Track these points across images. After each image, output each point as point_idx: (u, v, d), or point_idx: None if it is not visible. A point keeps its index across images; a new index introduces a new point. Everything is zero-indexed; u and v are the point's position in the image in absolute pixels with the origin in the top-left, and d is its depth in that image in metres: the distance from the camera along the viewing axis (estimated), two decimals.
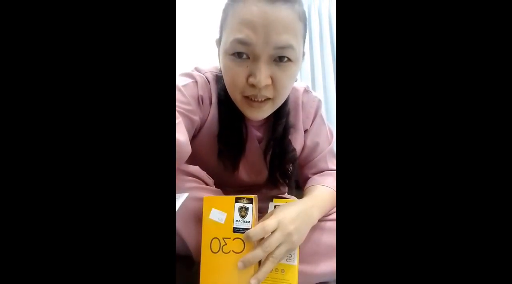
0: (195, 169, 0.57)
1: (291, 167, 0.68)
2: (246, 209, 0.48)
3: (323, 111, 0.72)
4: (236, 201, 0.48)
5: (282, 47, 0.49)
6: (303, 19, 0.53)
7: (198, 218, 0.52)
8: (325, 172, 0.68)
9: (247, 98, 0.54)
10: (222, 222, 0.47)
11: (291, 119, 0.65)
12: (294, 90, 0.68)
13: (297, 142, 0.67)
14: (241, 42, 0.49)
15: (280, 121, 0.62)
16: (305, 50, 0.58)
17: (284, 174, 0.68)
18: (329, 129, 0.72)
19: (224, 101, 0.60)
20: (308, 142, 0.69)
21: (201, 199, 0.52)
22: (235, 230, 0.47)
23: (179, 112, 0.54)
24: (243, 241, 0.46)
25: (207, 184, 0.59)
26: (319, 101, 0.71)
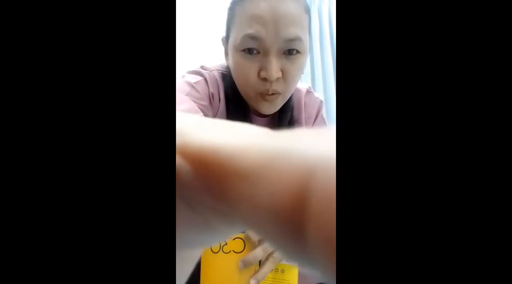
0: None
1: None
2: None
3: (323, 111, 0.74)
4: None
5: (291, 40, 0.51)
6: (308, 12, 0.55)
7: None
8: None
9: (260, 93, 0.55)
10: None
11: (295, 114, 0.67)
12: (297, 90, 0.70)
13: None
14: (251, 37, 0.50)
15: (285, 115, 0.64)
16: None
17: None
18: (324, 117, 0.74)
19: (231, 98, 0.62)
20: None
21: None
22: None
23: (198, 108, 0.55)
24: (243, 241, 0.46)
25: None
26: (321, 102, 0.73)
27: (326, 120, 0.73)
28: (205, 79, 0.61)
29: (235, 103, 0.61)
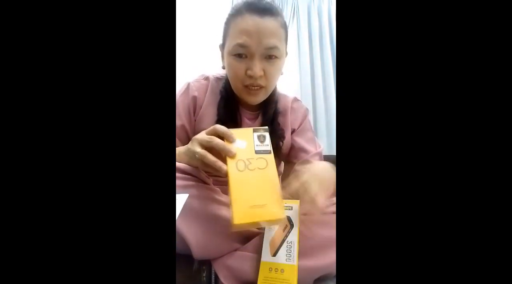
0: (193, 168, 0.58)
1: (280, 144, 0.80)
2: (264, 136, 0.55)
3: (309, 118, 0.88)
4: (254, 131, 0.56)
5: (270, 48, 0.67)
6: (285, 27, 0.72)
7: (197, 216, 0.53)
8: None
9: (246, 87, 0.70)
10: (244, 147, 0.53)
11: (280, 107, 0.81)
12: (284, 97, 0.85)
13: (285, 132, 0.80)
14: (240, 45, 0.67)
15: (270, 106, 0.78)
16: (287, 51, 0.76)
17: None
18: (316, 139, 0.85)
19: (224, 96, 0.77)
20: (296, 142, 0.81)
21: (199, 197, 0.53)
22: (257, 152, 0.53)
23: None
24: (265, 159, 0.53)
25: (205, 183, 0.59)
26: (307, 109, 0.88)
27: (311, 126, 0.87)
28: (187, 86, 0.79)
29: (227, 99, 0.77)
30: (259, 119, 0.80)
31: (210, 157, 0.52)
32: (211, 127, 0.55)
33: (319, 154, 0.81)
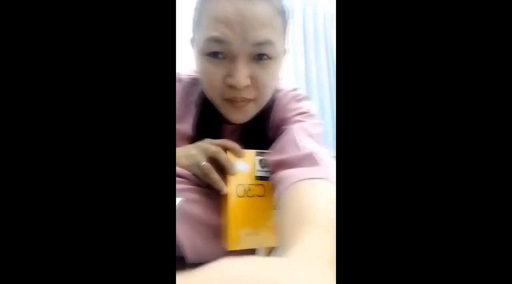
0: (187, 172, 0.56)
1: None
2: (266, 160, 0.53)
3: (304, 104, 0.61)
4: (256, 155, 0.54)
5: (261, 44, 0.46)
6: (283, 13, 0.49)
7: (190, 219, 0.52)
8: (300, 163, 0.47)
9: (228, 100, 0.50)
10: (247, 171, 0.53)
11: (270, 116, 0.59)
12: (277, 91, 0.60)
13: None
14: (216, 40, 0.45)
15: (259, 121, 0.57)
16: (287, 47, 0.53)
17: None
18: (303, 108, 0.58)
19: (202, 109, 0.57)
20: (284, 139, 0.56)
21: (192, 201, 0.53)
22: (258, 177, 0.53)
23: None
24: (264, 186, 0.53)
25: (198, 185, 0.58)
26: (292, 97, 0.61)
27: (303, 108, 0.59)
28: None
29: (207, 115, 0.57)
30: (237, 132, 0.59)
31: (215, 175, 0.49)
32: (221, 140, 0.51)
33: (302, 128, 0.53)
